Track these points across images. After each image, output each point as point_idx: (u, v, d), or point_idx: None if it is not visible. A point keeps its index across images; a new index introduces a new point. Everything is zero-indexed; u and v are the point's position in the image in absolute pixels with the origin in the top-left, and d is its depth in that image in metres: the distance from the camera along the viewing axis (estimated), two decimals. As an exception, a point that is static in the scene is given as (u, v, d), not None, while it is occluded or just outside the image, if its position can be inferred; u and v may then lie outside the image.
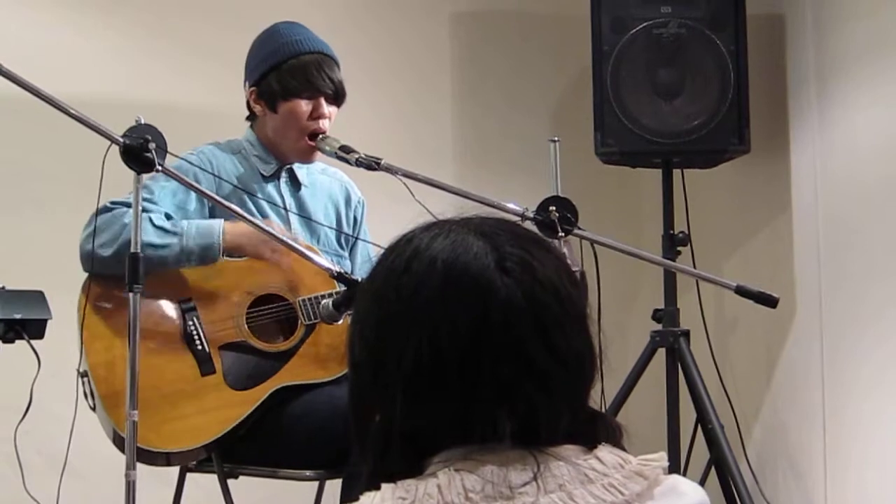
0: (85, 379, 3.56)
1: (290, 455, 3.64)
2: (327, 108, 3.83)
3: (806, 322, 5.26)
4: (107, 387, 3.51)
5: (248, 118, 3.95)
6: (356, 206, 4.08)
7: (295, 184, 3.94)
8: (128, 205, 3.56)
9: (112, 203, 3.58)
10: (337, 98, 3.86)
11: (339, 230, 3.98)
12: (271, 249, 3.67)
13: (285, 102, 3.82)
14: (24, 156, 4.87)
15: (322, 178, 4.04)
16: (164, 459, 3.61)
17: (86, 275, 3.62)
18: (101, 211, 3.55)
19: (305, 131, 3.82)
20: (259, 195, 3.83)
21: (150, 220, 3.58)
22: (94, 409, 3.58)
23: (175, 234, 3.60)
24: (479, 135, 5.70)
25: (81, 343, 3.57)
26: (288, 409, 3.65)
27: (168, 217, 3.66)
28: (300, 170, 3.96)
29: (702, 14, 5.12)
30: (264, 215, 3.81)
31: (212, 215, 3.74)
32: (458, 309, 1.52)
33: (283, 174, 3.92)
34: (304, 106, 3.82)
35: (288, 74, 3.82)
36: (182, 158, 3.66)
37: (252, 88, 3.88)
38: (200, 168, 3.73)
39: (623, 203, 5.74)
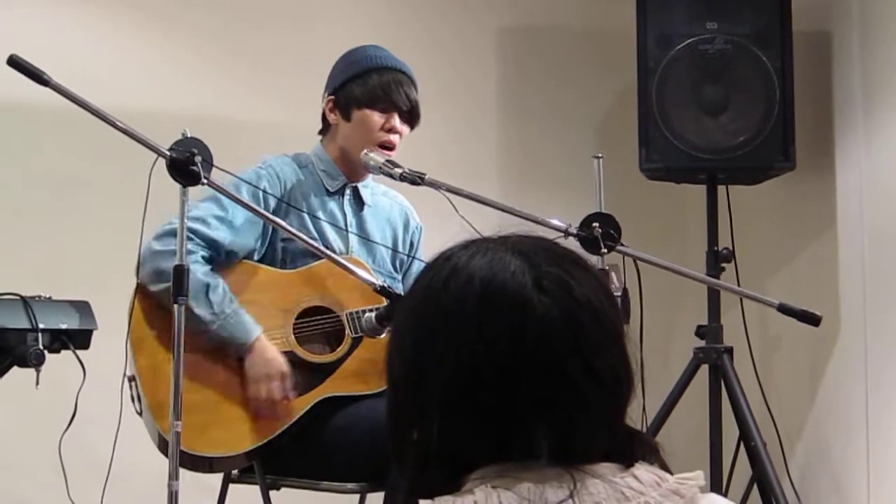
0: (132, 383, 3.58)
1: (332, 467, 3.65)
2: (400, 125, 3.85)
3: (850, 340, 5.23)
4: (153, 392, 3.53)
5: (320, 131, 3.97)
6: (414, 231, 4.08)
7: (358, 203, 3.95)
8: (203, 237, 3.62)
9: (190, 230, 3.51)
10: (411, 116, 3.87)
11: (394, 250, 3.99)
12: (259, 389, 3.63)
13: (359, 111, 3.84)
14: (71, 167, 4.91)
15: (384, 201, 4.05)
16: (207, 465, 3.62)
17: (132, 286, 3.65)
18: (173, 233, 3.54)
19: (375, 142, 3.82)
20: (321, 210, 3.84)
21: (207, 289, 3.59)
22: (139, 413, 3.60)
23: (215, 314, 3.60)
24: (523, 150, 5.70)
25: (130, 347, 3.59)
26: (331, 421, 3.66)
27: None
28: (364, 189, 3.97)
29: (748, 30, 5.11)
30: (322, 232, 3.82)
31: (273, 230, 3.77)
32: (496, 327, 1.52)
33: (348, 192, 3.94)
34: (378, 117, 3.83)
35: (367, 84, 3.84)
36: (237, 178, 3.67)
37: (330, 97, 3.90)
38: (252, 186, 3.73)
39: (667, 219, 5.73)
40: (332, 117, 3.90)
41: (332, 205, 3.89)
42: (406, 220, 4.07)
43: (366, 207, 3.96)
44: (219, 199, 3.67)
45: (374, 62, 3.87)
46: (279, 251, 3.79)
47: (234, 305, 3.63)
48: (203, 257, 3.65)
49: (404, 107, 3.85)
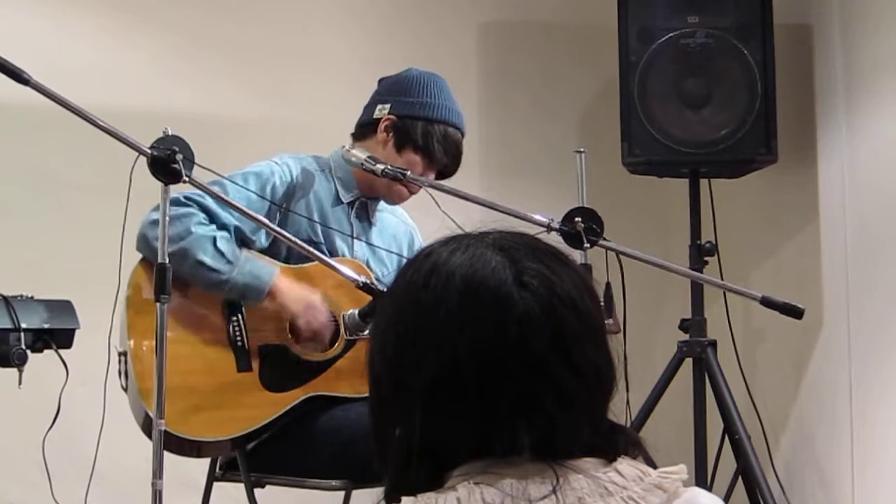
0: (123, 358, 3.56)
1: (317, 465, 3.64)
2: (433, 176, 3.83)
3: (834, 332, 5.25)
4: (144, 371, 3.50)
5: (355, 135, 3.92)
6: (417, 251, 4.06)
7: (366, 219, 3.94)
8: (203, 207, 3.62)
9: (186, 198, 3.60)
10: (447, 175, 3.87)
11: (400, 255, 3.97)
12: (309, 320, 3.67)
13: (413, 154, 3.80)
14: (52, 165, 4.90)
15: (389, 218, 4.03)
16: (194, 448, 3.60)
17: (114, 284, 3.64)
18: (173, 202, 3.55)
19: (407, 186, 3.82)
20: (331, 219, 3.83)
21: (215, 240, 3.59)
22: (125, 389, 3.57)
23: (230, 262, 3.60)
24: (506, 145, 5.70)
25: (126, 323, 3.57)
26: (318, 420, 3.66)
27: (234, 231, 3.69)
28: (373, 205, 3.96)
29: (729, 24, 5.12)
30: (329, 238, 3.81)
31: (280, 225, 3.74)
32: (477, 323, 1.52)
33: (359, 207, 3.92)
34: (422, 167, 3.79)
35: (437, 137, 3.81)
36: (246, 169, 3.66)
37: (392, 116, 3.84)
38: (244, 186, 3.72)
39: (650, 213, 5.73)
40: (383, 136, 3.85)
41: (341, 215, 3.87)
42: (411, 240, 4.07)
43: (373, 226, 3.95)
44: (222, 185, 3.63)
45: (452, 117, 3.85)
46: (283, 249, 3.76)
47: (244, 252, 3.64)
48: (204, 218, 3.63)
49: (448, 171, 3.85)
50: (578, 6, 5.75)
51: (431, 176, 3.82)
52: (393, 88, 3.91)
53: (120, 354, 3.57)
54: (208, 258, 3.56)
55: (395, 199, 3.93)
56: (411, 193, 3.89)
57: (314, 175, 3.85)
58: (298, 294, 3.66)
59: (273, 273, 3.64)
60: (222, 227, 3.67)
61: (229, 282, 3.59)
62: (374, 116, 3.87)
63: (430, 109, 3.84)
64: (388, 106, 3.87)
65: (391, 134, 3.83)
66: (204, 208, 3.64)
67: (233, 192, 3.65)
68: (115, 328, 3.57)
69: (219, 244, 3.59)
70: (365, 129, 3.90)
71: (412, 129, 3.82)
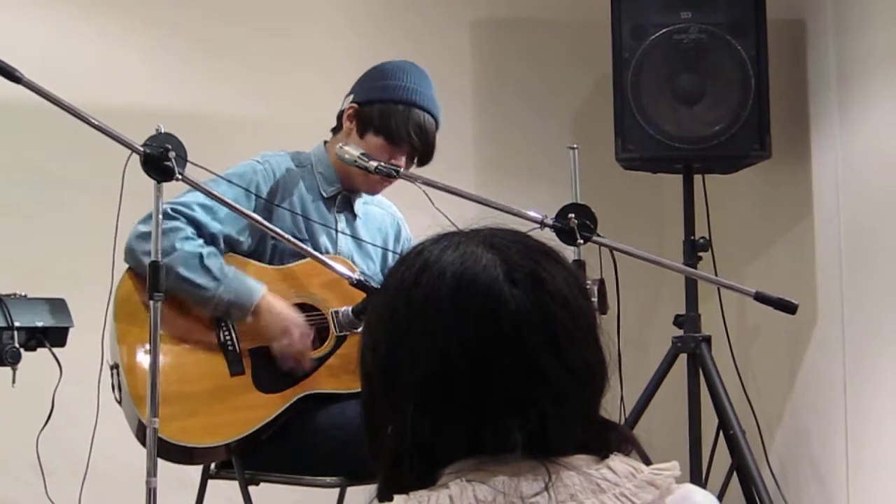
0: (115, 371, 3.56)
1: (313, 463, 3.64)
2: (405, 162, 3.81)
3: (828, 328, 5.25)
4: (137, 381, 3.50)
5: (334, 129, 3.93)
6: (405, 241, 4.06)
7: (350, 213, 3.94)
8: (190, 219, 3.62)
9: (174, 210, 3.61)
10: (421, 160, 3.85)
11: (385, 248, 3.97)
12: (284, 350, 3.66)
13: (375, 137, 3.78)
14: (45, 163, 4.89)
15: (375, 210, 4.03)
16: (187, 455, 3.60)
17: (107, 283, 3.64)
18: (164, 215, 3.55)
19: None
20: (314, 213, 3.83)
21: (202, 256, 3.59)
22: (119, 402, 3.58)
23: (217, 279, 3.60)
24: (499, 142, 5.70)
25: (115, 335, 3.58)
26: (312, 418, 3.66)
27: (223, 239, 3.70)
28: (357, 199, 3.96)
29: (722, 19, 5.12)
30: (313, 234, 3.81)
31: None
32: (468, 321, 1.52)
33: (341, 200, 3.92)
34: (388, 151, 3.77)
35: (394, 115, 3.79)
36: (229, 171, 3.66)
37: (354, 105, 3.85)
38: (243, 181, 3.71)
39: (644, 209, 5.73)
40: (348, 125, 3.85)
41: (324, 210, 3.87)
42: (398, 231, 4.07)
43: (357, 219, 3.95)
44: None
45: (408, 95, 3.82)
46: (269, 248, 3.77)
47: (232, 269, 3.64)
48: (192, 233, 3.64)
49: (416, 149, 3.81)
50: (572, 2, 5.75)
51: (403, 160, 3.80)
52: (360, 79, 3.93)
53: (112, 368, 3.57)
54: (194, 275, 3.57)
55: (372, 190, 3.93)
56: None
57: (296, 172, 3.85)
58: (277, 316, 3.65)
59: (258, 294, 3.64)
60: (210, 238, 3.68)
61: (215, 298, 3.60)
62: (341, 109, 3.89)
63: (390, 91, 3.83)
64: (351, 96, 3.89)
65: (355, 121, 3.84)
66: (191, 220, 3.65)
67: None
68: (105, 341, 3.57)
69: (206, 261, 3.60)
70: (338, 124, 3.92)
71: (370, 112, 3.82)
